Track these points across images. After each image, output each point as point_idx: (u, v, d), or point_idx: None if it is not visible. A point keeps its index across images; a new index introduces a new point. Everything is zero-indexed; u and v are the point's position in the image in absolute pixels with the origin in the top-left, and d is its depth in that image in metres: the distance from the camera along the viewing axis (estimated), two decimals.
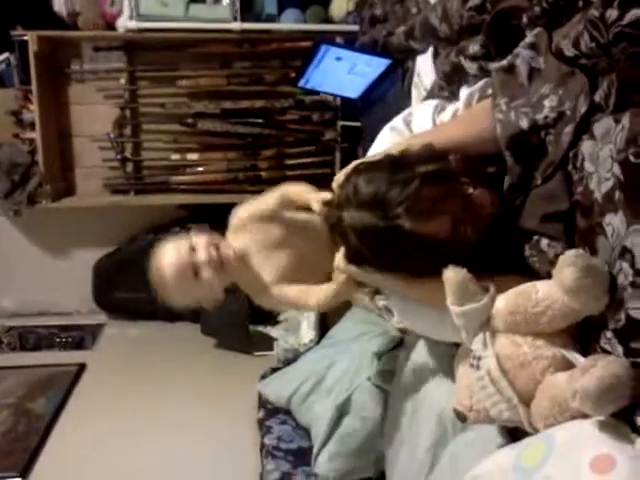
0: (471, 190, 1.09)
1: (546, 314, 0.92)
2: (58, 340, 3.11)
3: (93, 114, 3.10)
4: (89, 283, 3.27)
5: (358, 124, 2.85)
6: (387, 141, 1.32)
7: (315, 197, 1.35)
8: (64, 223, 3.25)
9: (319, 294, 1.39)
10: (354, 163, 1.19)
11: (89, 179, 3.18)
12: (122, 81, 3.06)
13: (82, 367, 2.79)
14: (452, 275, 0.99)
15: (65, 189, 3.15)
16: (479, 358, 0.98)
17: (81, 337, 3.13)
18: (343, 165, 3.06)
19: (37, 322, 3.22)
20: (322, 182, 3.11)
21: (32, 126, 2.92)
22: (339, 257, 1.17)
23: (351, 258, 1.16)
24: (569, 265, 0.89)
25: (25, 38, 2.79)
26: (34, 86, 2.83)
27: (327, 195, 1.28)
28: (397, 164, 1.08)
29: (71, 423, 2.42)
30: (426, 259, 1.04)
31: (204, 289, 1.38)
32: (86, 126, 3.12)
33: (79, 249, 3.33)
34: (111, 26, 2.89)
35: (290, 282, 1.43)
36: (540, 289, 0.94)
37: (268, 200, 1.45)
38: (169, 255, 1.36)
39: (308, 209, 1.40)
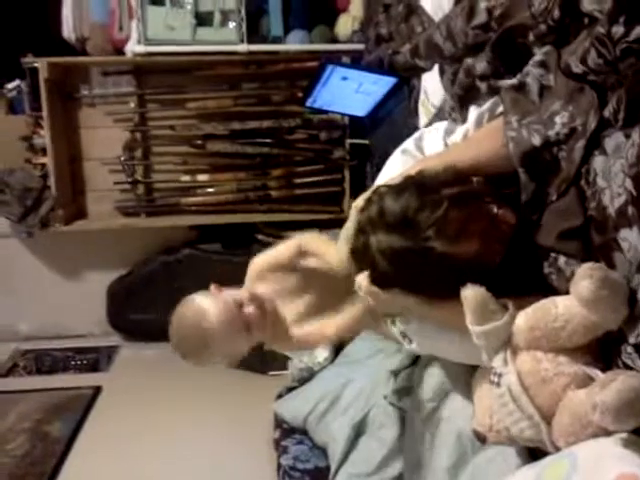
0: (496, 209, 1.10)
1: (566, 329, 0.92)
2: (73, 363, 3.12)
3: (103, 138, 3.13)
4: (103, 305, 3.28)
5: (367, 142, 2.86)
6: (400, 165, 1.33)
7: (332, 256, 1.36)
8: (77, 246, 3.28)
9: (337, 322, 1.40)
10: (374, 187, 1.20)
11: (100, 202, 3.21)
12: (131, 105, 3.10)
13: (98, 390, 2.80)
14: (471, 294, 0.99)
15: (77, 212, 3.18)
16: (500, 375, 0.98)
17: (96, 359, 3.15)
18: (352, 183, 3.11)
19: (52, 345, 3.24)
20: (332, 200, 3.15)
21: (43, 151, 2.96)
22: (362, 279, 1.17)
23: (376, 281, 1.16)
24: (586, 277, 0.89)
25: (36, 65, 2.84)
26: (45, 112, 2.87)
27: (342, 249, 1.28)
28: (422, 186, 1.09)
29: (87, 446, 2.43)
30: (455, 279, 1.04)
31: (250, 342, 1.40)
32: (96, 150, 3.16)
33: (92, 272, 3.36)
34: (119, 51, 2.93)
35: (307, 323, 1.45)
36: (559, 304, 0.94)
37: (284, 251, 1.46)
38: (215, 310, 1.34)
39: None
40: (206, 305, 1.36)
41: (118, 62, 3.02)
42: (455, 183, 1.08)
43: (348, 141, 3.01)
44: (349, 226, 1.20)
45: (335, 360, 2.40)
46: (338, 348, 2.48)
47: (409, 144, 1.35)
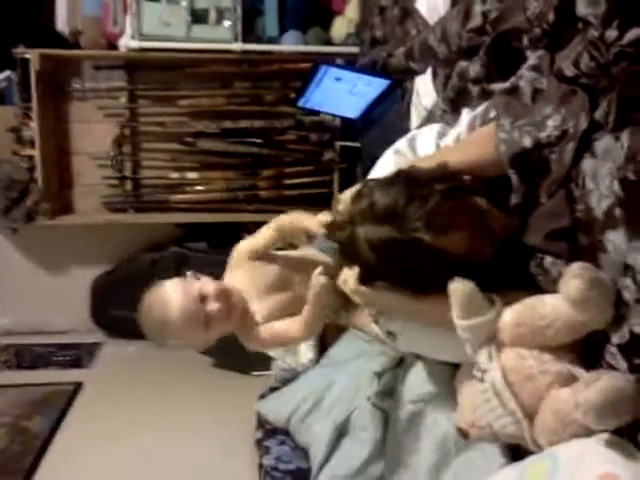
0: (486, 207, 1.10)
1: (552, 327, 0.93)
2: (55, 359, 3.08)
3: (93, 132, 3.11)
4: (86, 301, 3.25)
5: (357, 145, 2.86)
6: (392, 164, 1.33)
7: (314, 221, 1.33)
8: (62, 241, 3.24)
9: (304, 316, 1.37)
10: (362, 182, 1.20)
11: (87, 197, 3.18)
12: (122, 100, 3.08)
13: (79, 386, 2.77)
14: (459, 287, 0.99)
15: (63, 207, 3.15)
16: (484, 371, 0.98)
17: (78, 355, 3.11)
18: (342, 185, 3.10)
19: (34, 340, 3.20)
20: (320, 202, 3.15)
21: (31, 143, 2.93)
22: (348, 276, 1.16)
23: (363, 277, 1.16)
24: (575, 277, 0.89)
25: (27, 56, 2.82)
26: (35, 104, 2.85)
27: (325, 216, 1.28)
28: (413, 180, 1.09)
29: (67, 443, 2.39)
30: (443, 274, 1.04)
31: (209, 337, 1.38)
32: (85, 144, 3.13)
33: (77, 267, 3.32)
34: (113, 45, 2.92)
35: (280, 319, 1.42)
36: (546, 302, 0.95)
37: (265, 233, 1.44)
38: (178, 302, 1.32)
39: (308, 236, 1.39)
40: (171, 295, 1.34)
41: (111, 56, 3.01)
42: (446, 179, 1.09)
43: (338, 143, 3.01)
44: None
45: (319, 361, 2.39)
46: (322, 349, 2.48)
47: (401, 144, 1.36)
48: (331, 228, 1.21)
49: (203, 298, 1.34)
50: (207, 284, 1.37)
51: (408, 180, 1.09)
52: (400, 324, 1.26)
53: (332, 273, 1.28)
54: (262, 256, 1.44)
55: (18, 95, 2.94)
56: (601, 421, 0.83)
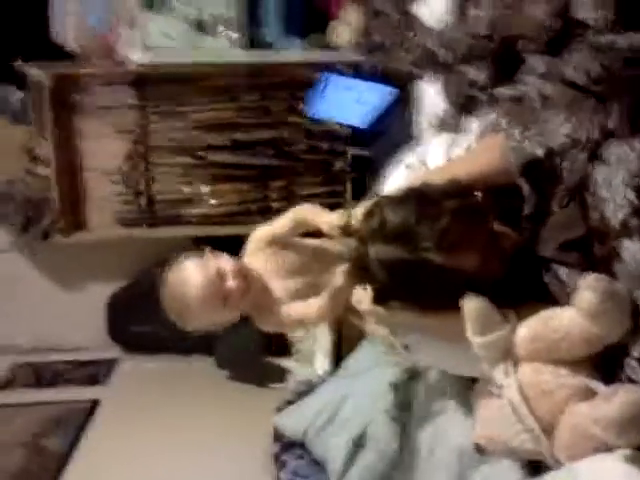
0: (497, 226, 1.10)
1: (567, 340, 0.91)
2: (72, 376, 3.09)
3: (104, 148, 3.12)
4: (103, 317, 3.26)
5: (367, 153, 2.85)
6: (403, 180, 1.32)
7: (327, 220, 1.37)
8: (76, 257, 3.26)
9: (319, 301, 1.39)
10: (373, 198, 1.19)
11: (101, 213, 3.19)
12: (132, 115, 3.09)
13: (95, 403, 2.77)
14: (472, 305, 0.98)
15: (77, 223, 3.17)
16: (501, 387, 0.96)
17: (95, 372, 3.12)
18: (354, 194, 3.09)
19: (51, 358, 3.21)
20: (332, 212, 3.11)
21: (44, 161, 2.95)
22: (362, 298, 1.15)
23: (376, 296, 1.15)
24: (589, 289, 0.87)
25: (40, 78, 2.83)
26: (49, 122, 2.87)
27: (338, 218, 1.30)
28: (423, 198, 1.08)
29: (85, 461, 2.40)
30: (454, 291, 1.04)
31: (228, 315, 1.40)
32: (97, 160, 3.13)
33: (92, 283, 3.34)
34: (117, 59, 2.92)
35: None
36: (560, 315, 0.93)
37: (283, 222, 1.47)
38: (196, 280, 1.35)
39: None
40: (190, 272, 1.36)
41: (119, 73, 3.02)
42: (457, 196, 1.08)
43: (350, 152, 3.00)
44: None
45: (335, 373, 2.38)
46: (338, 360, 2.47)
47: (413, 158, 1.35)
48: (343, 232, 1.21)
49: (221, 275, 1.35)
50: (225, 261, 1.38)
51: (418, 198, 1.09)
52: (415, 338, 1.25)
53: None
54: (281, 242, 1.46)
55: (30, 114, 2.96)
56: (621, 436, 0.81)
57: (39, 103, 2.90)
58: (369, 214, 1.12)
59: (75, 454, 2.43)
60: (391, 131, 2.25)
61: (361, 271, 1.14)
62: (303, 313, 1.43)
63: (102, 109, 3.09)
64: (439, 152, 1.30)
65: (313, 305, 1.41)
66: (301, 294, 1.44)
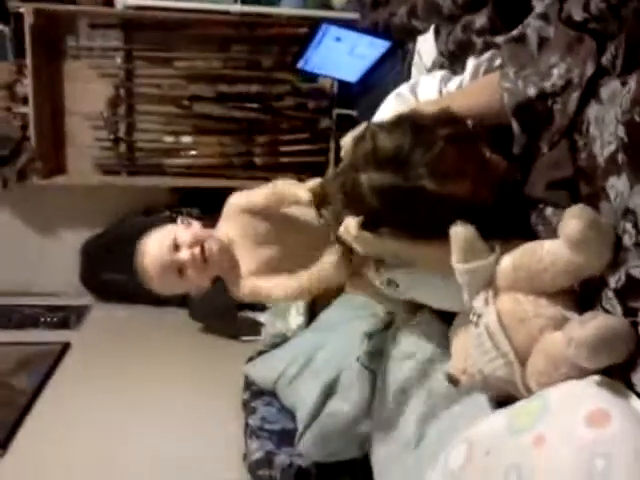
0: (488, 154, 1.09)
1: (549, 270, 0.92)
2: (43, 320, 3.06)
3: (87, 92, 3.06)
4: (76, 263, 3.23)
5: (354, 113, 2.84)
6: (393, 108, 1.31)
7: (304, 188, 1.34)
8: (53, 202, 3.21)
9: (310, 276, 1.39)
10: (362, 125, 1.18)
11: (81, 158, 3.14)
12: (118, 60, 3.03)
13: (66, 346, 2.75)
14: (460, 231, 0.99)
15: (56, 167, 3.11)
16: (479, 315, 0.98)
17: (66, 317, 3.09)
18: (337, 153, 3.07)
19: (22, 301, 3.17)
20: (316, 170, 3.12)
21: (25, 100, 2.89)
22: (350, 223, 1.14)
23: (366, 223, 1.14)
24: (574, 217, 0.88)
25: (21, 10, 2.76)
26: (29, 60, 2.80)
27: (314, 184, 1.30)
28: (416, 125, 1.08)
29: (53, 400, 2.38)
30: (445, 219, 1.04)
31: (188, 284, 1.41)
32: (79, 104, 3.08)
33: (67, 229, 3.29)
34: (109, 2, 2.86)
35: (269, 275, 1.44)
36: (545, 245, 0.94)
37: (260, 193, 1.45)
38: (152, 251, 1.38)
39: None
40: (149, 244, 1.39)
41: (107, 14, 2.95)
42: (450, 123, 1.07)
43: (335, 111, 2.98)
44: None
45: (309, 326, 2.39)
46: (312, 316, 2.47)
47: (404, 88, 1.34)
48: (320, 193, 1.22)
49: (177, 246, 1.36)
50: (183, 232, 1.39)
51: (412, 125, 1.08)
52: (401, 272, 1.25)
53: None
54: (258, 212, 1.44)
55: (11, 50, 2.89)
56: (593, 357, 0.82)
57: (20, 38, 2.82)
58: (360, 139, 1.11)
59: (43, 393, 2.41)
60: (383, 88, 2.24)
61: (352, 200, 1.13)
62: (265, 294, 1.44)
63: (87, 50, 3.03)
64: (432, 84, 1.29)
65: (280, 286, 1.41)
66: (273, 266, 1.44)
